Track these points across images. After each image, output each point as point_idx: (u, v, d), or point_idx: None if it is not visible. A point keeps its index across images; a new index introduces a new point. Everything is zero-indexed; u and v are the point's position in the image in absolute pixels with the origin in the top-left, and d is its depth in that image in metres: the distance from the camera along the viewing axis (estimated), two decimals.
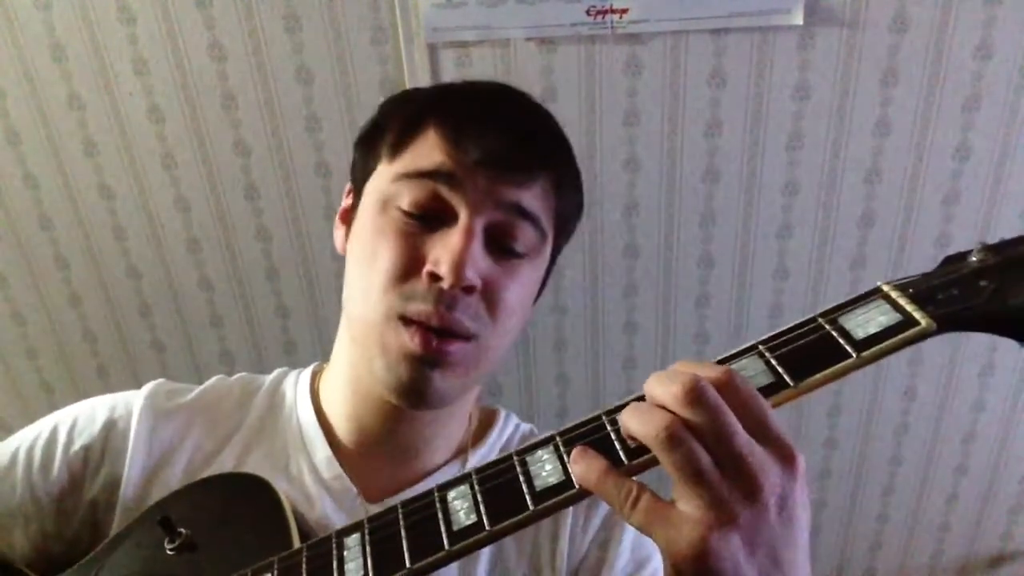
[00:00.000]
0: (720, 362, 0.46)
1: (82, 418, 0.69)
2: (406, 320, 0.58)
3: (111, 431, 0.68)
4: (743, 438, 0.41)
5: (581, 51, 1.30)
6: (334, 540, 0.50)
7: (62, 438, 0.67)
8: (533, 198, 0.61)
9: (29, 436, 0.68)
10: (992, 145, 1.33)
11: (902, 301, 0.44)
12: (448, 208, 0.59)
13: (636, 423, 0.43)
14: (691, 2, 1.25)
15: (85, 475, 0.66)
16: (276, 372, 0.77)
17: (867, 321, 0.45)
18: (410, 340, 0.58)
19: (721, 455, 0.40)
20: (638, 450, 0.44)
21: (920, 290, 0.45)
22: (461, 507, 0.46)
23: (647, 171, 1.38)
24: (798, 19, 1.25)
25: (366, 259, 0.61)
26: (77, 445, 0.67)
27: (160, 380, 0.74)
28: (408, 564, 0.45)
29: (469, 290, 0.58)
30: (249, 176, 1.43)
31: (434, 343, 0.58)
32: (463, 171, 0.59)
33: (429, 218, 0.60)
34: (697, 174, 1.38)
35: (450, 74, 1.33)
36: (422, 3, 1.27)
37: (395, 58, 1.32)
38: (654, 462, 0.43)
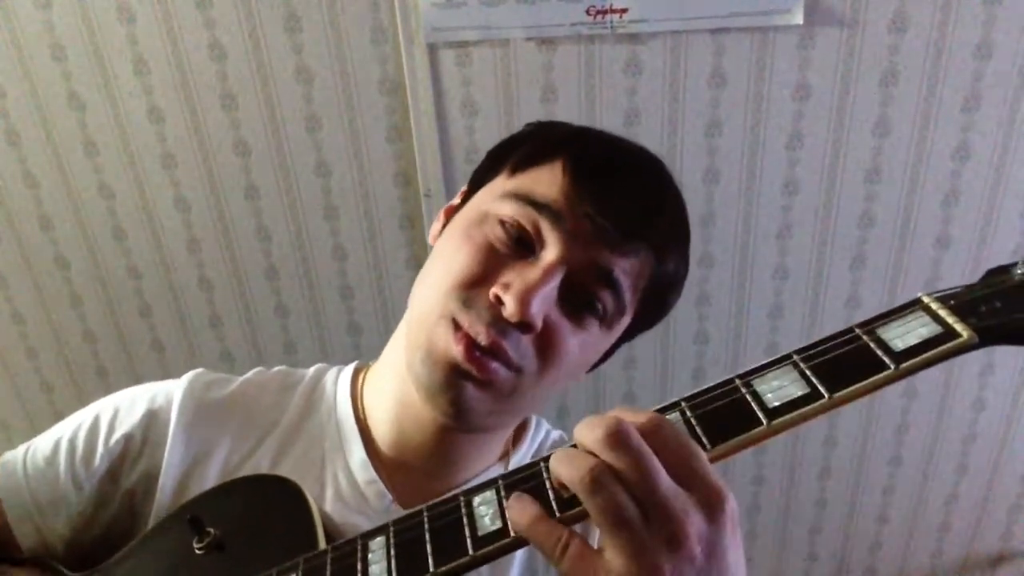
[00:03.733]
0: (750, 373, 0.45)
1: (123, 408, 0.69)
2: (457, 325, 0.57)
3: (151, 421, 0.68)
4: (666, 483, 0.40)
5: (581, 51, 1.30)
6: (359, 542, 0.50)
7: (103, 428, 0.67)
8: (625, 270, 0.59)
9: (71, 426, 0.69)
10: (992, 145, 1.33)
11: (943, 313, 0.43)
12: (541, 242, 0.58)
13: (563, 468, 0.42)
14: (691, 2, 1.25)
15: (124, 464, 0.67)
16: (315, 367, 0.76)
17: (906, 332, 0.43)
18: (455, 344, 0.57)
19: (645, 501, 0.40)
20: (570, 501, 0.43)
21: (962, 302, 0.44)
22: (486, 513, 0.46)
23: None
24: (798, 19, 1.25)
25: (445, 258, 0.61)
26: (118, 434, 0.67)
27: (200, 370, 0.73)
28: (432, 568, 0.45)
29: (526, 327, 0.56)
30: (249, 176, 1.43)
31: (477, 355, 0.56)
32: (570, 215, 0.58)
33: (520, 243, 0.59)
34: (697, 174, 1.38)
35: (450, 74, 1.33)
36: (422, 3, 1.27)
37: (395, 58, 1.32)
38: (584, 514, 0.42)
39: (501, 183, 0.63)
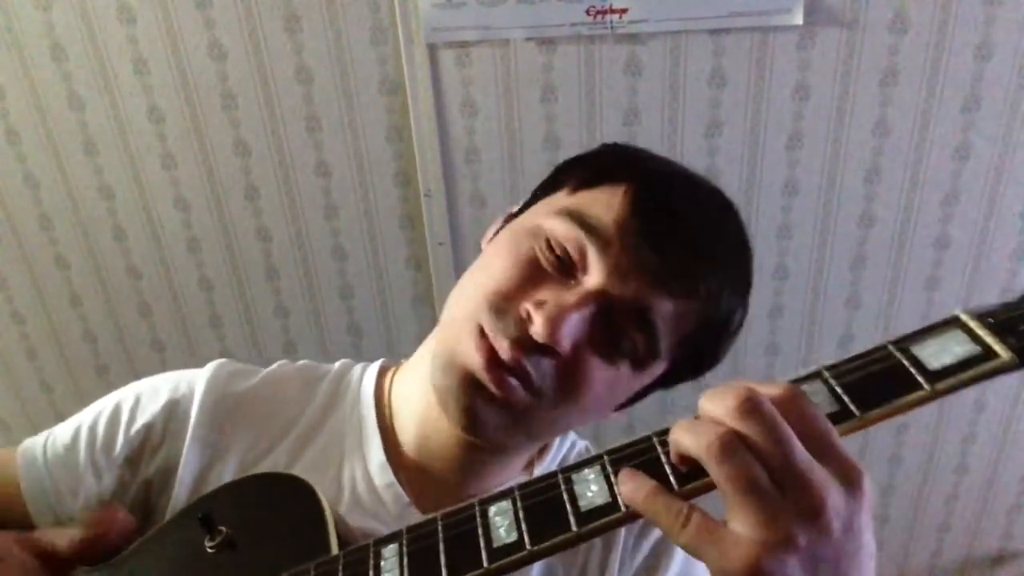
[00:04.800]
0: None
1: (144, 396, 0.68)
2: (482, 333, 0.56)
3: (173, 410, 0.67)
4: (802, 453, 0.38)
5: (581, 51, 1.30)
6: (372, 548, 0.49)
7: (124, 417, 0.67)
8: (663, 315, 0.56)
9: (90, 414, 0.68)
10: (992, 145, 1.33)
11: (981, 332, 0.42)
12: (584, 266, 0.56)
13: (687, 437, 0.40)
14: (691, 2, 1.25)
15: (144, 454, 0.66)
16: (341, 363, 0.75)
17: (942, 351, 0.42)
18: (475, 352, 0.55)
19: (778, 471, 0.38)
20: (689, 474, 0.42)
21: (1001, 320, 0.42)
22: (502, 524, 0.45)
23: None
24: (798, 19, 1.25)
25: (487, 266, 0.60)
26: (139, 423, 0.66)
27: (223, 360, 0.72)
28: None
29: (551, 351, 0.54)
30: (249, 176, 1.43)
31: (495, 368, 0.55)
32: (619, 243, 0.56)
33: (564, 264, 0.57)
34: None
35: (450, 74, 1.33)
36: (422, 3, 1.27)
37: (395, 58, 1.32)
38: (707, 487, 0.41)
39: (560, 198, 0.61)
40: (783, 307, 1.49)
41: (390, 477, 0.65)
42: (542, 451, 0.71)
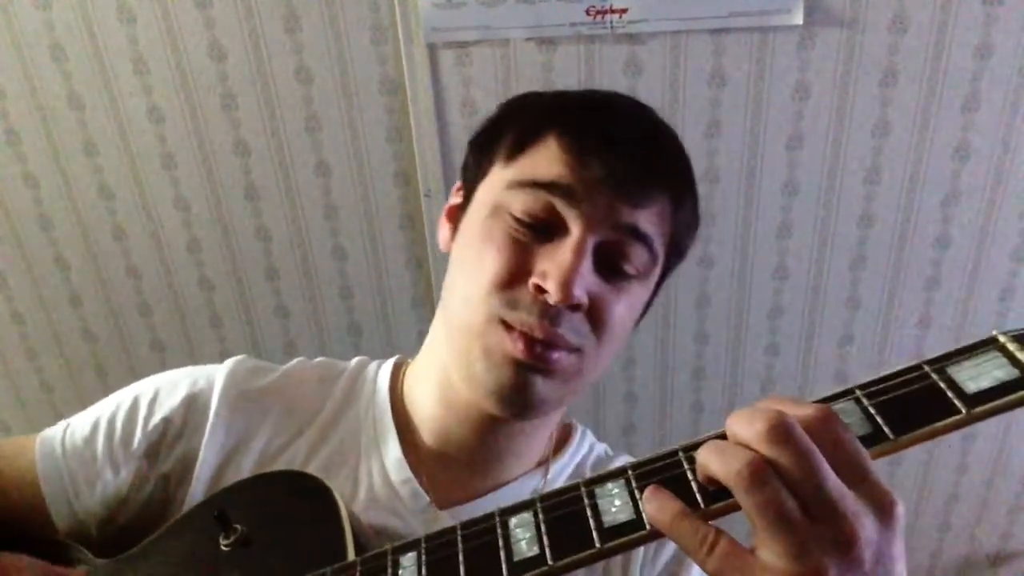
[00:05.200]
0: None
1: (163, 390, 0.69)
2: (508, 326, 0.57)
3: (192, 405, 0.67)
4: (834, 482, 0.37)
5: (581, 51, 1.30)
6: (389, 557, 0.48)
7: (143, 410, 0.67)
8: (649, 220, 0.59)
9: (109, 407, 0.68)
10: (992, 145, 1.33)
11: (1021, 355, 0.40)
12: (561, 222, 0.58)
13: (715, 461, 0.39)
14: (691, 2, 1.25)
15: (162, 448, 0.66)
16: (356, 361, 0.76)
17: (980, 375, 0.40)
18: (512, 345, 0.57)
19: (809, 500, 0.37)
20: (717, 493, 0.41)
21: None
22: (523, 536, 0.44)
23: None
24: (798, 19, 1.25)
25: (472, 262, 0.60)
26: (157, 417, 0.66)
27: (242, 356, 0.72)
28: None
29: (575, 308, 0.57)
30: (249, 176, 1.43)
31: (538, 349, 0.57)
32: (583, 187, 0.57)
33: (540, 228, 0.58)
34: (697, 174, 1.37)
35: (450, 74, 1.33)
36: (422, 3, 1.27)
37: (395, 58, 1.32)
38: (733, 507, 0.40)
39: (500, 174, 0.62)
40: (783, 307, 1.49)
41: (407, 473, 0.65)
42: (557, 450, 0.71)
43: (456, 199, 0.68)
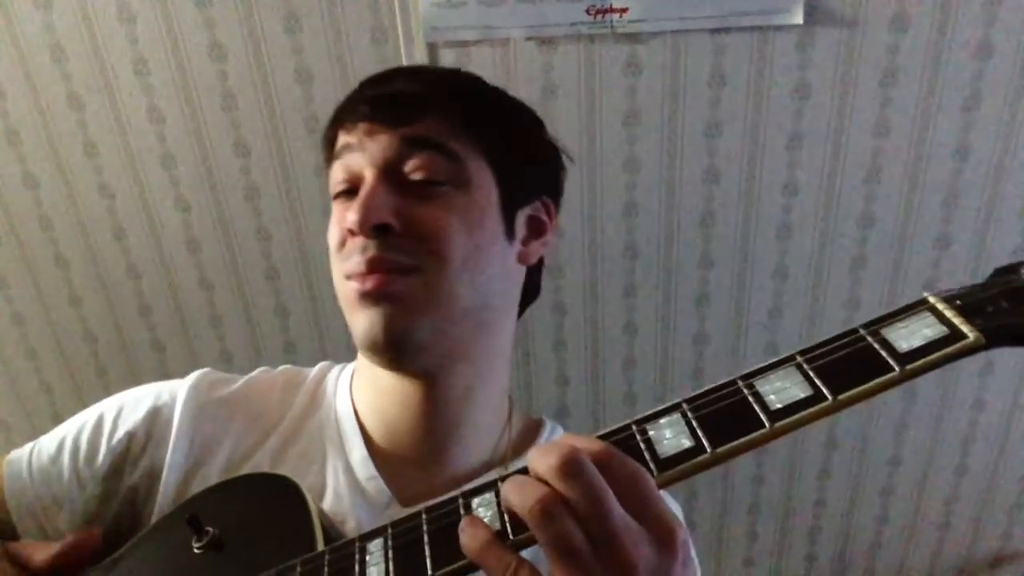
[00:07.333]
0: (752, 374, 0.45)
1: (127, 406, 0.70)
2: (348, 277, 0.62)
3: (155, 419, 0.68)
4: (618, 515, 0.40)
5: (581, 51, 1.30)
6: (357, 544, 0.50)
7: (107, 427, 0.68)
8: (428, 129, 0.62)
9: (75, 425, 0.69)
10: (992, 145, 1.33)
11: (949, 313, 0.43)
12: (361, 176, 0.63)
13: (514, 496, 0.42)
14: (691, 2, 1.25)
15: (127, 462, 0.67)
16: (320, 366, 0.77)
17: (911, 334, 0.43)
18: (352, 288, 0.61)
19: (595, 533, 0.40)
20: (522, 525, 0.43)
21: (968, 302, 0.43)
22: (485, 515, 0.46)
23: (647, 171, 1.38)
24: (798, 19, 1.25)
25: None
26: (121, 432, 0.67)
27: (206, 370, 0.74)
28: (430, 571, 0.45)
29: (384, 228, 0.60)
30: (249, 176, 1.43)
31: (368, 282, 0.60)
32: (358, 137, 0.63)
33: (352, 192, 0.63)
34: (697, 174, 1.38)
35: None
36: (422, 3, 1.27)
37: (395, 58, 1.32)
38: (533, 539, 0.42)
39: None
40: (783, 307, 1.49)
41: (372, 470, 0.66)
42: (525, 445, 0.72)
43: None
